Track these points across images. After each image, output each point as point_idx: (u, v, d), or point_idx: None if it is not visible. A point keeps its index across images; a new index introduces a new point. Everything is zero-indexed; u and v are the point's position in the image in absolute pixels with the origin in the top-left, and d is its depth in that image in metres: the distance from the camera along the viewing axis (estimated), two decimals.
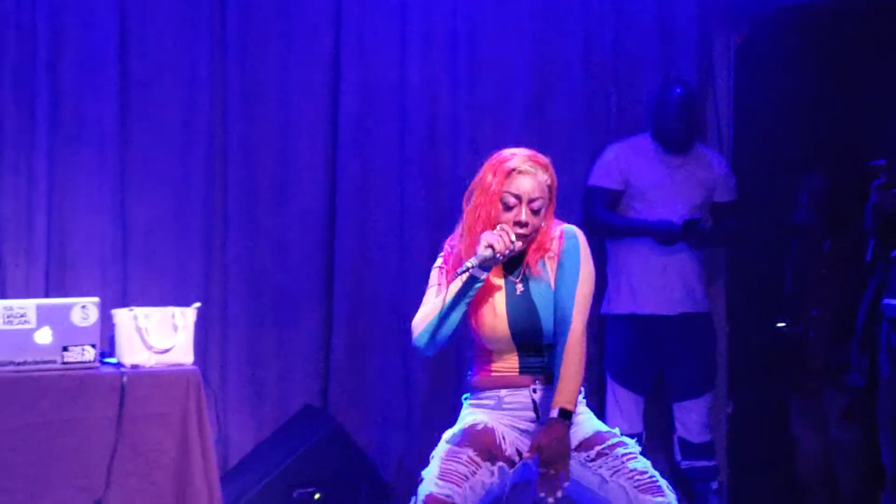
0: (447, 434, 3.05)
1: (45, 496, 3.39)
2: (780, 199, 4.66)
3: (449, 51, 4.97)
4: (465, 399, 3.13)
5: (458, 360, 4.98)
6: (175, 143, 4.71)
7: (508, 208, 2.98)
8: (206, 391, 3.67)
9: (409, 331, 4.94)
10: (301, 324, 4.87)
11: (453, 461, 2.93)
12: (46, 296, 4.36)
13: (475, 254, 2.92)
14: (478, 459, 2.93)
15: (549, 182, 3.04)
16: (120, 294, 4.51)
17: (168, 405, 3.57)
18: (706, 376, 4.85)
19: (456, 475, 2.90)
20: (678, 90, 4.77)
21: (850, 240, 4.35)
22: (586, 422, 3.07)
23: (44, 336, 3.46)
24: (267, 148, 4.83)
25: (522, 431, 3.03)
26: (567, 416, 2.91)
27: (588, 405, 4.91)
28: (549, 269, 3.03)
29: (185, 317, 3.71)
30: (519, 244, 2.98)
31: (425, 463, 5.12)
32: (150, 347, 3.63)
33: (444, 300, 2.94)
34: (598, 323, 4.91)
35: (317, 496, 4.52)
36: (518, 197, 2.98)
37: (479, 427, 2.99)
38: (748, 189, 4.89)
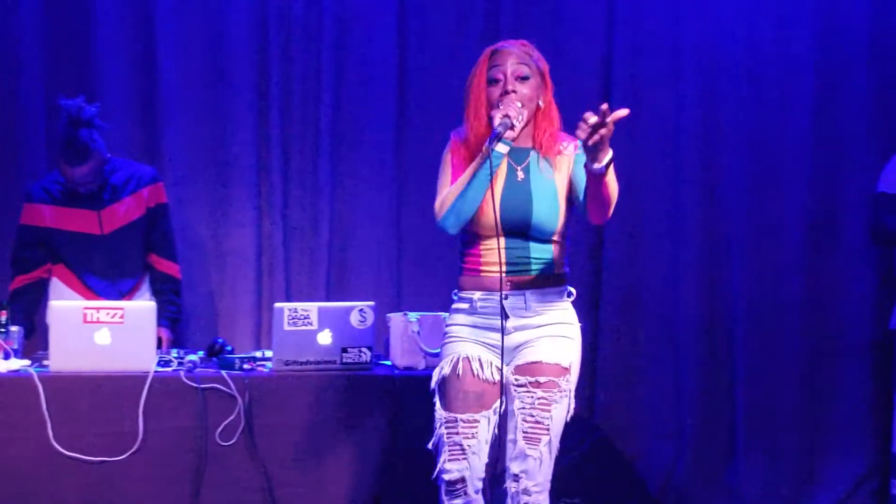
0: (435, 374, 3.07)
1: (325, 492, 3.52)
2: None
3: (728, 54, 4.85)
4: (455, 295, 3.12)
5: (732, 372, 4.83)
6: None
7: (495, 82, 3.02)
8: None
9: (678, 338, 4.84)
10: None
11: (452, 433, 3.01)
12: (326, 299, 4.56)
13: (493, 129, 2.91)
14: (470, 418, 2.99)
15: (531, 54, 3.06)
16: (394, 298, 4.65)
17: None
18: None
19: (457, 449, 3.00)
20: None
21: None
22: (552, 342, 3.00)
23: (325, 337, 3.60)
24: None
25: (491, 346, 3.02)
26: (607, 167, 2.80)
27: (872, 422, 4.74)
28: (555, 168, 3.03)
29: None
30: (525, 112, 2.98)
31: (695, 479, 4.93)
32: (422, 351, 3.71)
33: (465, 178, 2.99)
34: (886, 338, 4.64)
35: None
36: (502, 70, 3.02)
37: (458, 373, 3.01)
38: None
